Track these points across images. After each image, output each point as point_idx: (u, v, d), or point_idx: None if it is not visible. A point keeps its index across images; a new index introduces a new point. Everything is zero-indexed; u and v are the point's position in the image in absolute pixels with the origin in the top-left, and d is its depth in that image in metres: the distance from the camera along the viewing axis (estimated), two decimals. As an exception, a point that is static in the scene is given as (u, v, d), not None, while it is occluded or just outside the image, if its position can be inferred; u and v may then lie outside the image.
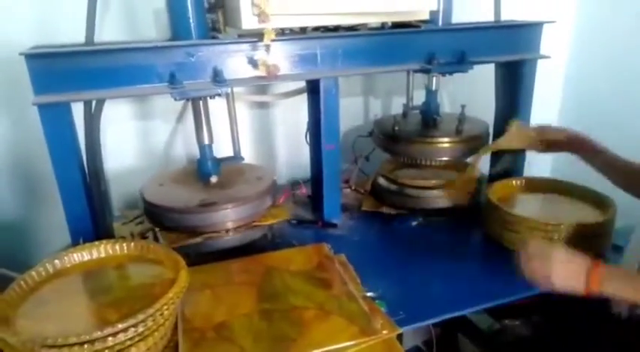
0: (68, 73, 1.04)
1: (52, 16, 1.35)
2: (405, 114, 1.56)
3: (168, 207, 1.16)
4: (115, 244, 1.01)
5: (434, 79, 1.46)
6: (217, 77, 1.14)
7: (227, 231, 1.18)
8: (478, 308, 1.06)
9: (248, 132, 1.69)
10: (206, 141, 1.25)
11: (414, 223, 1.41)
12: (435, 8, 1.21)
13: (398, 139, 1.45)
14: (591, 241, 1.13)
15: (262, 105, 1.71)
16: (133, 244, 1.02)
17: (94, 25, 1.14)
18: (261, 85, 1.62)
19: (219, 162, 1.27)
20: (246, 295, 1.03)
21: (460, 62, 1.35)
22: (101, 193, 1.22)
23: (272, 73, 1.17)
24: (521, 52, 1.43)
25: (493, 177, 1.56)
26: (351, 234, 1.37)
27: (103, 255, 1.01)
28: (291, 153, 1.77)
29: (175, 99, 1.13)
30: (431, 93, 1.49)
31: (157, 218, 1.20)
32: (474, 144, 1.43)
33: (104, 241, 1.01)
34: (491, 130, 1.54)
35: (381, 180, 1.53)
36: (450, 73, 1.39)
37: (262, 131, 1.74)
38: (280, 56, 1.19)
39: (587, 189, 1.30)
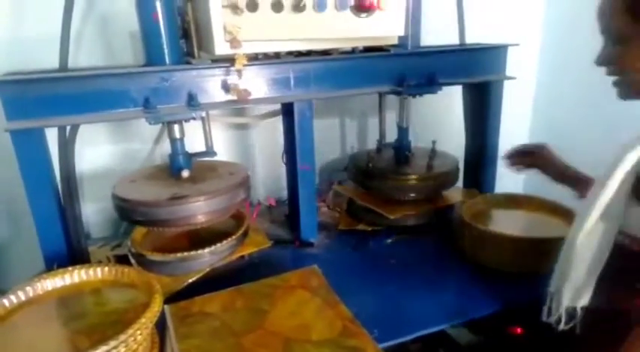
0: (41, 99, 1.05)
1: (25, 40, 1.36)
2: (379, 149, 1.60)
3: (138, 201, 1.15)
4: (88, 269, 1.01)
5: (404, 112, 1.51)
6: (192, 101, 1.16)
7: (202, 249, 1.19)
8: (451, 324, 1.07)
9: (225, 152, 1.71)
10: (177, 135, 1.24)
11: (389, 241, 1.44)
12: (402, 34, 1.26)
13: (371, 176, 1.49)
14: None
15: (240, 127, 1.73)
16: (107, 269, 1.01)
17: (67, 50, 1.15)
18: (238, 107, 1.65)
19: (190, 156, 1.28)
20: (238, 312, 1.02)
21: (429, 84, 1.39)
22: (76, 217, 1.21)
23: (244, 97, 1.19)
24: (488, 73, 1.49)
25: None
26: (327, 253, 1.38)
27: (76, 280, 1.00)
28: (269, 174, 1.79)
29: (150, 124, 1.15)
30: (402, 130, 1.54)
31: (128, 213, 1.18)
32: (443, 180, 1.49)
33: (78, 266, 1.01)
34: (462, 154, 1.59)
35: (357, 200, 1.56)
36: (420, 95, 1.43)
37: (239, 152, 1.75)
38: (253, 80, 1.22)
39: (556, 204, 1.35)
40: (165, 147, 1.51)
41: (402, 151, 1.55)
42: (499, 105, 1.56)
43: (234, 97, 1.20)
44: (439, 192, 1.54)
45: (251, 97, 1.20)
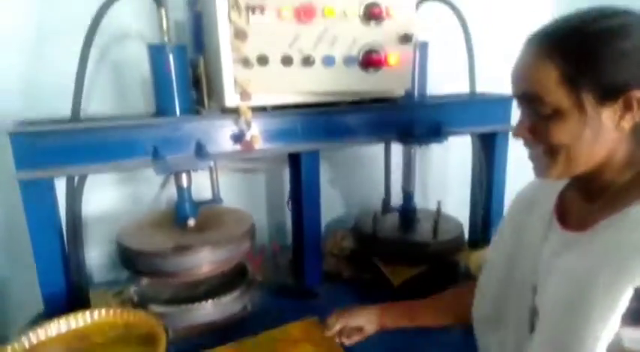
0: (51, 150, 1.06)
1: (41, 85, 1.39)
2: (384, 211, 1.59)
3: (142, 251, 1.14)
4: (92, 312, 1.00)
5: (411, 174, 1.52)
6: (200, 151, 1.17)
7: (205, 301, 1.17)
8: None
9: (230, 195, 1.70)
10: (184, 184, 1.24)
11: (394, 290, 1.41)
12: (408, 87, 1.28)
13: (376, 241, 1.49)
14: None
15: (246, 171, 1.74)
16: (112, 312, 1.00)
17: (80, 99, 1.17)
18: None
19: (197, 205, 1.27)
20: None
21: (435, 134, 1.40)
22: (79, 264, 1.21)
23: (251, 148, 1.21)
24: (493, 124, 1.50)
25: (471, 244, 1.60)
26: (330, 302, 1.36)
27: (81, 324, 0.99)
28: (274, 218, 1.78)
29: (157, 174, 1.15)
30: (408, 195, 1.54)
31: (131, 263, 1.17)
32: (449, 246, 1.48)
33: (80, 312, 1.00)
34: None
35: (358, 248, 1.55)
36: (427, 144, 1.44)
37: (245, 196, 1.75)
38: (262, 130, 1.23)
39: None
40: (172, 190, 1.51)
41: (407, 216, 1.56)
42: (505, 156, 1.56)
43: (242, 147, 1.21)
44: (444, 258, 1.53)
45: (258, 147, 1.22)
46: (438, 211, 1.52)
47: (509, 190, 1.58)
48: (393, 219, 1.58)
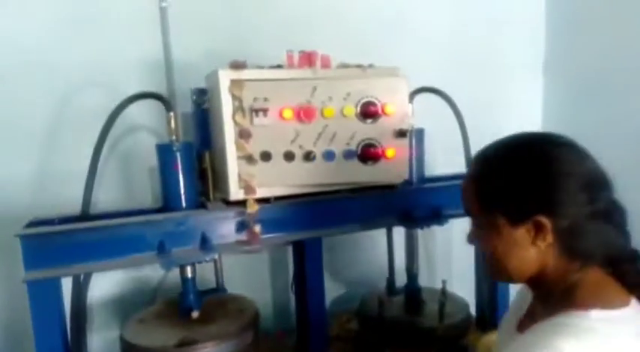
0: (60, 250, 1.09)
1: (51, 176, 1.44)
2: (389, 293, 1.59)
3: (145, 348, 1.14)
4: None
5: (414, 255, 1.53)
6: (205, 244, 1.20)
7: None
8: None
9: (236, 277, 1.71)
10: (189, 275, 1.25)
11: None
12: (406, 177, 1.32)
13: (382, 324, 1.48)
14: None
15: (252, 254, 1.75)
16: None
17: (90, 196, 1.22)
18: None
19: (201, 295, 1.27)
20: None
21: (436, 217, 1.43)
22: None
23: (255, 239, 1.23)
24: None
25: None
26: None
27: None
28: (277, 300, 1.77)
29: (163, 269, 1.17)
30: (412, 276, 1.55)
31: None
32: (457, 329, 1.47)
33: None
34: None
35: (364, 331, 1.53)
36: (428, 226, 1.46)
37: (250, 278, 1.76)
38: (265, 220, 1.25)
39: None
40: (177, 274, 1.53)
41: (412, 297, 1.56)
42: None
43: (246, 238, 1.23)
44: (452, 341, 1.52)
45: (262, 238, 1.24)
46: (444, 292, 1.52)
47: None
48: (398, 301, 1.57)
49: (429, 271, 1.90)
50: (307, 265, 1.33)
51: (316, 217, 1.31)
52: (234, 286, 1.43)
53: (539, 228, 0.73)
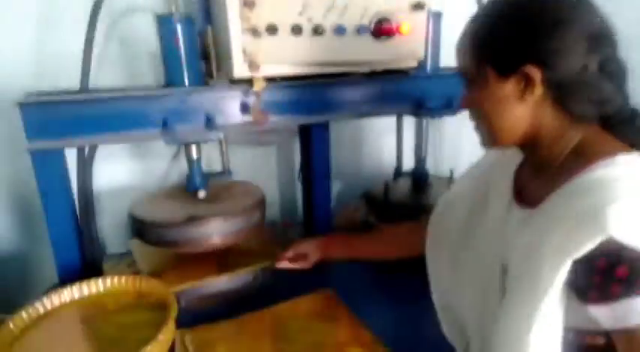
0: (61, 120, 1.06)
1: (49, 57, 1.39)
2: (396, 176, 1.58)
3: (154, 222, 1.16)
4: (105, 280, 1.01)
5: (423, 140, 1.49)
6: (209, 123, 1.17)
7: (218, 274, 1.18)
8: None
9: (240, 168, 1.70)
10: (194, 156, 1.24)
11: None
12: (422, 57, 1.25)
13: (389, 208, 1.46)
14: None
15: (257, 144, 1.73)
16: (124, 279, 1.02)
17: (88, 71, 1.17)
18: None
19: (207, 177, 1.27)
20: (261, 342, 1.02)
21: (448, 106, 1.38)
22: (92, 236, 1.22)
23: (261, 120, 1.19)
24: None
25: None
26: (342, 274, 1.36)
27: (94, 291, 1.01)
28: (284, 192, 1.78)
29: (167, 145, 1.15)
30: (420, 160, 1.52)
31: (143, 233, 1.19)
32: None
33: (93, 280, 1.02)
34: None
35: (370, 218, 1.54)
36: (439, 117, 1.42)
37: (254, 169, 1.75)
38: (271, 102, 1.22)
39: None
40: (183, 163, 1.52)
41: (419, 181, 1.54)
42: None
43: (252, 119, 1.20)
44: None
45: (268, 119, 1.20)
46: (451, 178, 1.51)
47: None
48: (405, 185, 1.57)
49: (436, 166, 1.88)
50: (314, 151, 1.32)
51: (324, 100, 1.27)
52: (239, 178, 1.43)
53: (528, 80, 0.68)
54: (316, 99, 1.25)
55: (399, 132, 1.52)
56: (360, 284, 1.30)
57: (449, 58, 1.50)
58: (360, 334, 1.02)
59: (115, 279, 1.01)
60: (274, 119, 1.22)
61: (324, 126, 1.29)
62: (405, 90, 1.35)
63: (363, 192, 1.59)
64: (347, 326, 1.05)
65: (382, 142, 1.91)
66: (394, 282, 1.27)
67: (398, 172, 1.54)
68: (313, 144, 1.30)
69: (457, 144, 1.87)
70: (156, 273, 1.19)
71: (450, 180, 1.50)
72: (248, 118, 1.20)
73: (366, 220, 1.57)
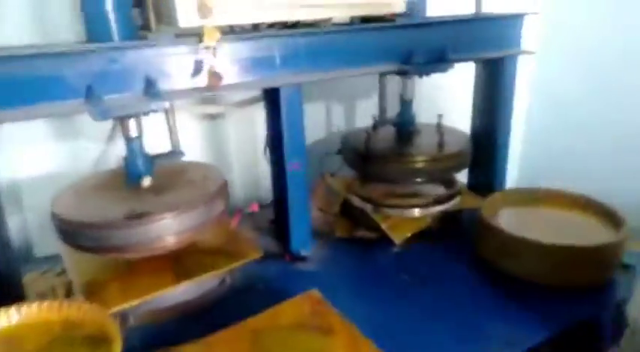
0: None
1: None
2: (375, 127, 1.37)
3: (84, 223, 0.88)
4: (20, 309, 0.75)
5: (409, 83, 1.27)
6: (150, 89, 0.90)
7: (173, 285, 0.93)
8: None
9: (194, 147, 1.43)
10: (133, 134, 0.96)
11: (396, 249, 1.22)
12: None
13: (371, 159, 1.26)
14: (602, 261, 0.99)
15: (210, 117, 1.46)
16: (47, 306, 0.75)
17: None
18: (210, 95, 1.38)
19: (152, 159, 1.00)
20: None
21: (439, 60, 1.17)
22: (4, 242, 0.94)
23: (217, 83, 0.94)
24: (503, 47, 1.28)
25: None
26: (324, 268, 1.16)
27: (4, 324, 0.74)
28: (247, 172, 1.53)
29: (96, 120, 0.87)
30: (406, 104, 1.30)
31: (72, 237, 0.92)
32: (457, 161, 1.27)
33: (3, 309, 0.75)
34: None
35: (354, 199, 1.32)
36: (428, 74, 1.21)
37: (211, 146, 1.49)
38: (229, 60, 0.96)
39: (589, 200, 1.16)
40: (121, 146, 1.23)
41: (405, 128, 1.33)
42: (512, 82, 1.35)
43: (205, 83, 0.94)
44: (449, 177, 1.33)
45: (226, 83, 0.95)
46: (440, 123, 1.32)
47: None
48: (388, 134, 1.35)
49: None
50: (285, 121, 1.07)
51: (295, 56, 1.02)
52: (192, 158, 1.17)
53: None
54: (285, 54, 1.01)
55: (381, 90, 1.28)
56: (350, 291, 1.10)
57: (437, 9, 1.31)
58: (359, 346, 0.82)
59: (34, 307, 0.74)
60: (234, 81, 0.97)
61: (296, 90, 1.04)
62: (389, 43, 1.13)
63: (340, 146, 1.37)
64: (343, 336, 0.84)
65: (353, 109, 1.68)
66: (393, 288, 1.08)
67: (379, 120, 1.31)
68: (283, 111, 1.05)
69: (445, 97, 1.66)
70: (94, 286, 0.93)
71: (439, 126, 1.31)
72: (200, 82, 0.94)
73: (346, 201, 1.35)
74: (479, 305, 0.99)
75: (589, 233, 1.07)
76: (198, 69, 0.94)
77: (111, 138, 1.34)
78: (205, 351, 0.82)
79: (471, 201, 1.31)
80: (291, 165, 1.11)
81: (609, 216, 1.10)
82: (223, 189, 1.02)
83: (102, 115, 0.86)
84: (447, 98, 1.65)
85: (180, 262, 1.00)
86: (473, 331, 0.92)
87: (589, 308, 0.96)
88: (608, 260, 1.00)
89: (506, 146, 1.42)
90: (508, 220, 1.13)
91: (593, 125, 1.74)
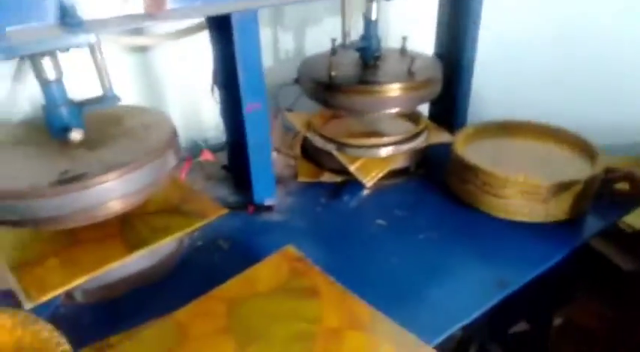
0: None
1: None
2: (334, 52, 1.23)
3: (5, 191, 0.69)
4: None
5: (374, 3, 1.12)
6: (66, 17, 0.69)
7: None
8: (481, 311, 0.82)
9: (125, 85, 1.22)
10: (51, 76, 0.76)
11: (366, 192, 1.13)
12: None
13: (337, 88, 1.11)
14: (585, 194, 0.97)
15: (143, 49, 1.24)
16: None
17: None
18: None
19: (79, 107, 0.80)
20: (222, 345, 0.69)
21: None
22: None
23: (158, 8, 0.75)
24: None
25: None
26: (292, 218, 1.05)
27: None
28: (187, 111, 1.35)
29: (-3, 60, 0.67)
30: (371, 25, 1.15)
31: None
32: (430, 89, 1.15)
33: None
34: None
35: (316, 139, 1.20)
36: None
37: (144, 83, 1.28)
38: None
39: (565, 132, 1.12)
40: (34, 87, 1.00)
41: (369, 53, 1.18)
42: (479, 6, 1.23)
43: (142, 9, 0.74)
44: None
45: (169, 8, 0.76)
46: (404, 47, 1.22)
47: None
48: (351, 59, 1.21)
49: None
50: (239, 52, 0.90)
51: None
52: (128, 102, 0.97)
53: None
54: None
55: (344, 21, 1.12)
56: (319, 230, 1.01)
57: None
58: (355, 309, 0.74)
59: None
60: (178, 6, 0.78)
61: (253, 15, 0.87)
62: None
63: (299, 70, 1.21)
64: (330, 297, 0.76)
65: (302, 35, 1.51)
66: (370, 236, 1.00)
67: (344, 45, 1.14)
68: (237, 44, 0.88)
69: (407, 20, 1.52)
70: (27, 266, 0.77)
71: (405, 50, 1.21)
72: (136, 7, 0.74)
73: (306, 141, 1.23)
74: (464, 247, 0.94)
75: (565, 166, 1.04)
76: (129, -11, 0.74)
77: (17, 76, 1.10)
78: (177, 330, 0.71)
79: (438, 136, 1.24)
80: (251, 106, 0.96)
81: (583, 147, 1.07)
82: (173, 139, 0.85)
83: (6, 53, 0.66)
84: (409, 21, 1.51)
85: (129, 227, 0.85)
86: (462, 275, 0.88)
87: (574, 239, 0.95)
88: (589, 192, 0.97)
89: (469, 77, 1.32)
90: (485, 156, 1.07)
91: (539, 57, 1.63)
